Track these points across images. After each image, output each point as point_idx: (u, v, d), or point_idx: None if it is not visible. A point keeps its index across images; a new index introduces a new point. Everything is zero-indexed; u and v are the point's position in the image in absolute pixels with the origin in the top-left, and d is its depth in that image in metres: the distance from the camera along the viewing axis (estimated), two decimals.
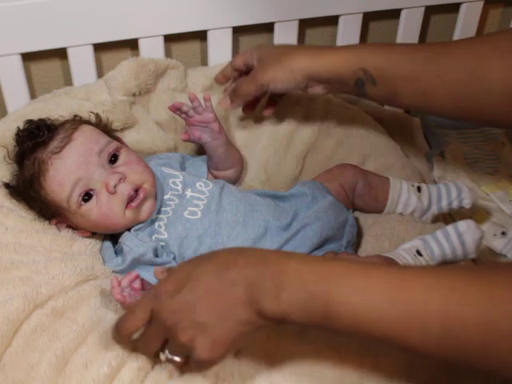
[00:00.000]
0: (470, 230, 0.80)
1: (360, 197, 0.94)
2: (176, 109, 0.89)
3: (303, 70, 0.83)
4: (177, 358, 0.62)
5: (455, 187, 0.92)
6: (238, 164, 0.97)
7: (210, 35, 1.04)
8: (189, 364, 0.62)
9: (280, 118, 1.04)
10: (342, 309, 0.53)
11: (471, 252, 0.81)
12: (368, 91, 0.81)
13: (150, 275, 0.75)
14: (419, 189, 0.93)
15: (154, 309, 0.59)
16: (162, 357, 0.63)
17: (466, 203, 0.91)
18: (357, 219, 0.92)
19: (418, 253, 0.81)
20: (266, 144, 1.02)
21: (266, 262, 0.57)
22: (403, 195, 0.92)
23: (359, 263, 0.56)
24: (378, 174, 0.96)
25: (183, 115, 0.90)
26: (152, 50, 1.01)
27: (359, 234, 0.90)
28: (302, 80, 0.84)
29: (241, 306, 0.56)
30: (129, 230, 0.83)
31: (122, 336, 0.62)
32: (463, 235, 0.80)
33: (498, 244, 0.96)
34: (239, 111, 1.00)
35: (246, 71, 0.93)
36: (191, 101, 0.88)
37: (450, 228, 0.81)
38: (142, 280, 0.72)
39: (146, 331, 0.61)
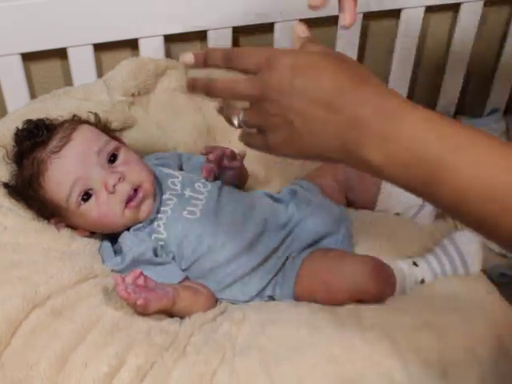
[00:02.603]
0: (465, 239, 0.81)
1: (352, 189, 0.95)
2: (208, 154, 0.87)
3: None
4: (248, 130, 0.58)
5: None
6: (245, 183, 0.97)
7: (210, 35, 1.04)
8: None
9: None
10: (449, 179, 0.48)
11: (472, 263, 0.82)
12: None
13: (149, 274, 0.75)
14: None
15: (258, 92, 0.55)
16: (236, 121, 0.58)
17: None
18: (354, 219, 0.92)
19: (415, 264, 0.82)
20: None
21: (384, 106, 0.51)
22: (395, 189, 0.92)
23: (482, 135, 0.49)
24: None
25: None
26: (152, 50, 1.01)
27: (357, 234, 0.90)
28: None
29: (337, 135, 0.52)
30: (128, 229, 0.83)
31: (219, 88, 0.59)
32: (460, 247, 0.80)
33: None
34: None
35: None
36: (226, 155, 0.87)
37: (446, 241, 0.82)
38: (146, 277, 0.73)
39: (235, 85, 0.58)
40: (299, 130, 0.54)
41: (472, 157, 0.48)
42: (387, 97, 0.52)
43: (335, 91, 0.52)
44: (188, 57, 0.62)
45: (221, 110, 0.61)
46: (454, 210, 0.50)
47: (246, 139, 0.60)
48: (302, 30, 0.62)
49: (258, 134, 0.57)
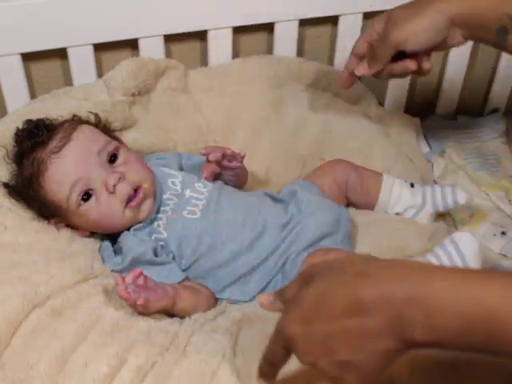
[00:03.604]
0: (465, 239, 0.82)
1: (352, 190, 0.94)
2: (208, 154, 0.87)
3: (445, 14, 0.72)
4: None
5: (450, 186, 0.93)
6: (245, 183, 0.98)
7: (210, 35, 1.04)
8: None
9: (281, 120, 1.04)
10: (506, 327, 0.46)
11: (472, 263, 0.83)
12: (510, 41, 0.72)
13: (149, 274, 0.75)
14: (412, 185, 0.94)
15: (287, 346, 0.54)
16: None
17: (461, 198, 0.91)
18: (354, 219, 0.92)
19: None
20: (267, 146, 1.03)
21: (405, 287, 0.48)
22: (395, 190, 0.93)
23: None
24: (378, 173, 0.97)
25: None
26: (152, 49, 1.01)
27: (357, 234, 0.90)
28: (445, 28, 0.73)
29: (385, 339, 0.49)
30: (128, 229, 0.83)
31: (267, 373, 0.59)
32: (460, 247, 0.81)
33: (497, 244, 0.96)
34: (240, 115, 1.01)
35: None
36: (226, 155, 0.87)
37: (446, 241, 0.83)
38: (146, 277, 0.73)
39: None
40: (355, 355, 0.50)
41: None
42: (402, 275, 0.50)
43: (357, 300, 0.50)
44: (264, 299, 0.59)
45: None
46: None
47: None
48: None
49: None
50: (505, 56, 1.26)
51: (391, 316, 0.48)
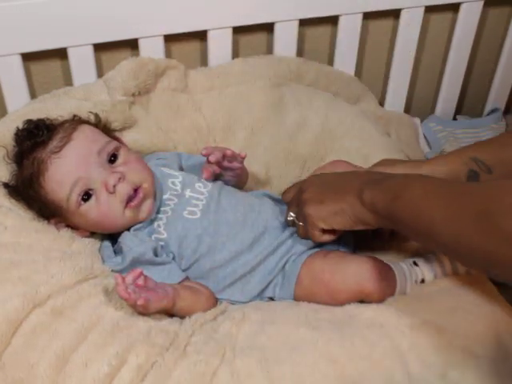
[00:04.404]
0: None
1: None
2: (209, 155, 0.86)
3: None
4: (299, 223, 0.80)
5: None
6: (245, 183, 0.98)
7: (210, 35, 1.04)
8: None
9: (281, 120, 1.04)
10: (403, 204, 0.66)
11: None
12: (484, 179, 0.75)
13: (149, 274, 0.75)
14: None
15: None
16: (290, 217, 0.82)
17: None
18: None
19: (415, 263, 0.82)
20: (267, 146, 1.03)
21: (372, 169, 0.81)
22: None
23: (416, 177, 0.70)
24: None
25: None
26: (152, 49, 1.01)
27: (357, 234, 0.90)
28: None
29: (351, 192, 0.72)
30: (128, 229, 0.83)
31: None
32: None
33: None
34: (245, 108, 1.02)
35: None
36: (226, 156, 0.87)
37: None
38: (146, 277, 0.73)
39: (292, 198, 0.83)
40: (322, 187, 0.77)
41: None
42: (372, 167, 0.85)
43: (336, 174, 0.81)
44: None
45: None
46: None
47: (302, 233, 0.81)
48: None
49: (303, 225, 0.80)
50: (504, 56, 1.26)
51: (363, 181, 0.73)
